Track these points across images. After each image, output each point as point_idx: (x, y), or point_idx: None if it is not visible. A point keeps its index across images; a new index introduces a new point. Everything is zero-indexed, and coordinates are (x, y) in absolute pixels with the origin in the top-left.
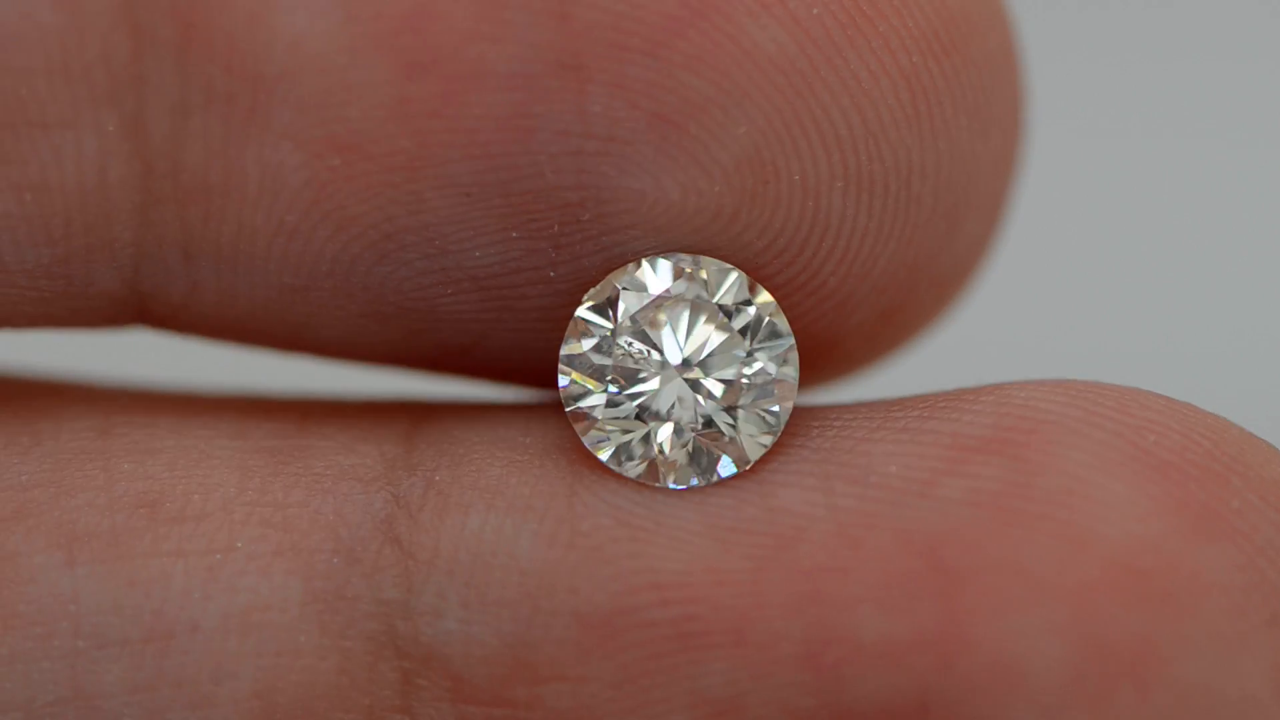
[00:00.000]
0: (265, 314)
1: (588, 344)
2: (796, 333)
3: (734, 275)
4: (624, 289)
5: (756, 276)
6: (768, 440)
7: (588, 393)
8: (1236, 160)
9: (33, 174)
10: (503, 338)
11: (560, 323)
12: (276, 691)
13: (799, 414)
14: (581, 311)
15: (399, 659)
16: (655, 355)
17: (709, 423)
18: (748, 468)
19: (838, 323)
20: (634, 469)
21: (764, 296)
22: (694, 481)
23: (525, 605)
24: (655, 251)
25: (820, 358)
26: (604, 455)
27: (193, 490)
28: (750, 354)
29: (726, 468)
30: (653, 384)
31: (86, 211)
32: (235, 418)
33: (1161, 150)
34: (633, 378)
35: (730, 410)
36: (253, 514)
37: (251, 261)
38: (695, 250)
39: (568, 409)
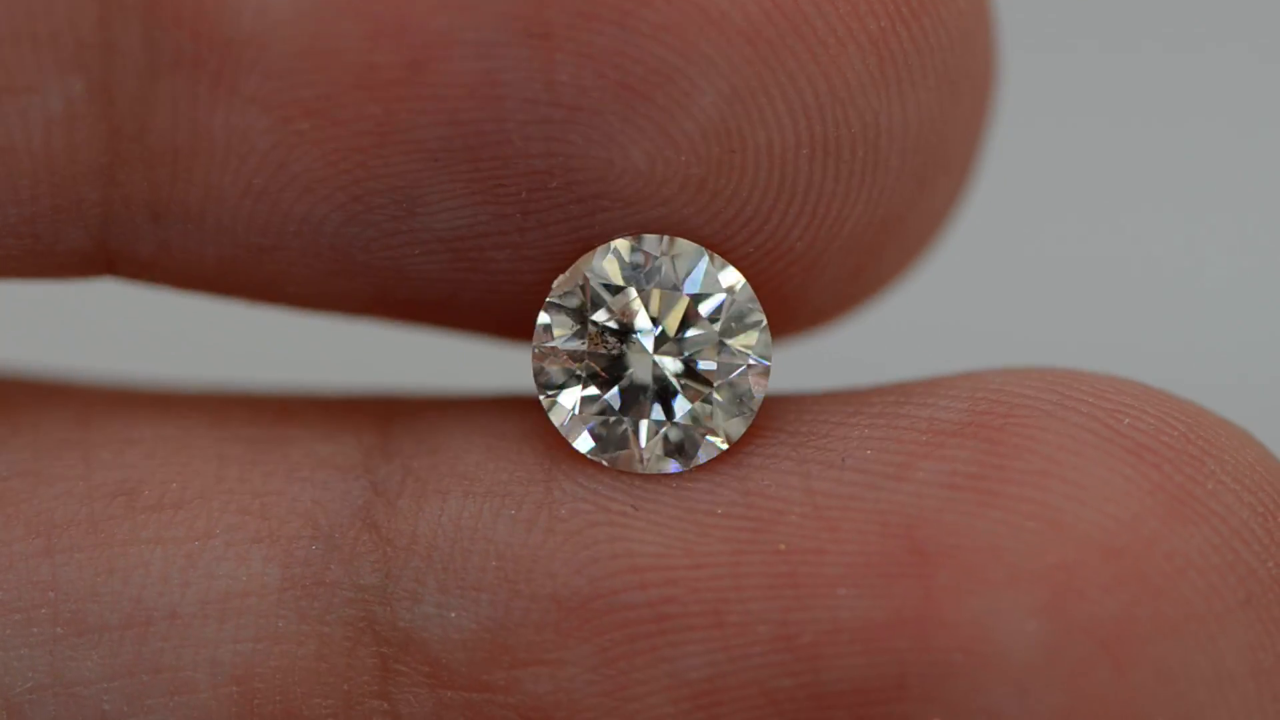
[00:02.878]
0: (234, 271)
1: (560, 333)
2: (765, 294)
3: (704, 257)
4: (594, 275)
5: (725, 244)
6: (744, 422)
7: (562, 383)
8: (1216, 134)
9: None
10: (472, 296)
11: (529, 285)
12: (255, 677)
13: (775, 402)
14: (552, 300)
15: (377, 644)
16: (628, 342)
17: (685, 408)
18: (725, 450)
19: (806, 283)
20: (611, 458)
21: (735, 276)
22: (673, 467)
23: (503, 589)
24: (627, 232)
25: (788, 316)
26: (581, 445)
27: (171, 479)
28: (723, 336)
29: (705, 452)
30: (626, 371)
31: (54, 173)
32: (213, 409)
33: (1139, 117)
34: (606, 366)
35: (705, 394)
36: (231, 502)
37: (219, 222)
38: (664, 219)
39: (542, 400)
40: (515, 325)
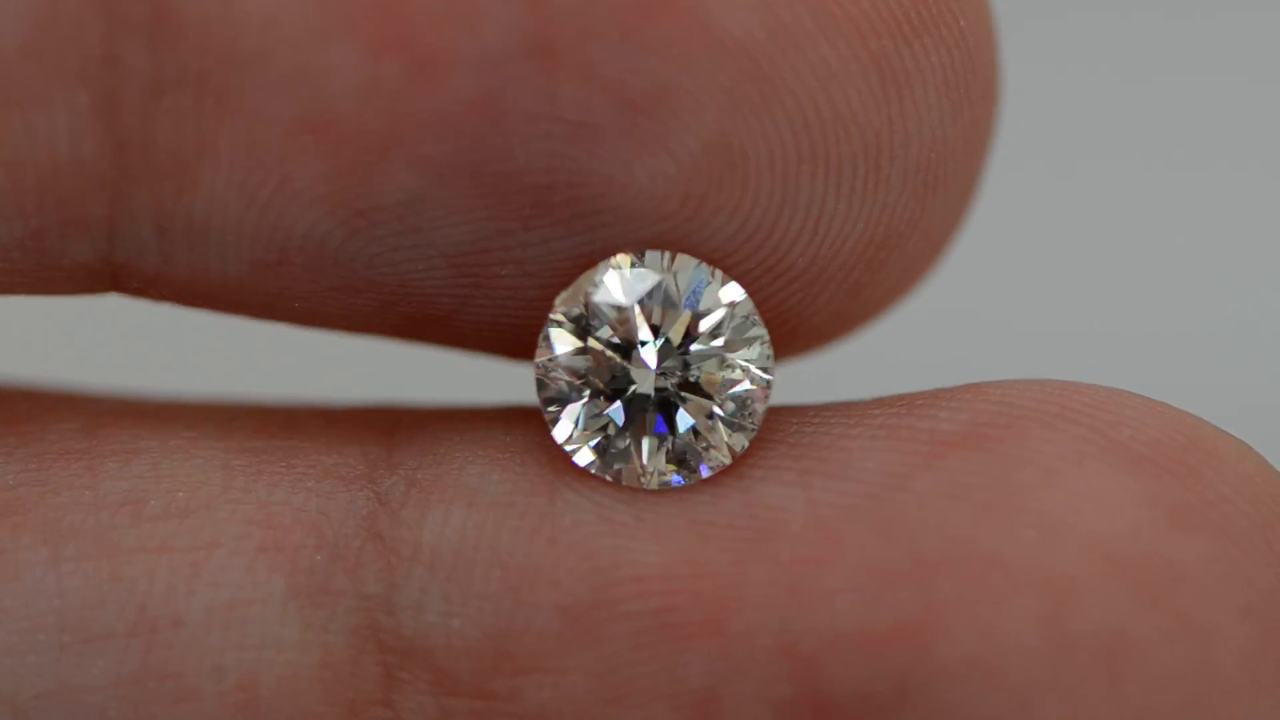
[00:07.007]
0: (238, 286)
1: (561, 349)
2: (765, 312)
3: (707, 273)
4: (596, 291)
5: (725, 259)
6: (746, 438)
7: (564, 399)
8: (1222, 152)
9: (5, 151)
10: (476, 311)
11: (532, 300)
12: (260, 685)
13: (777, 414)
14: (554, 316)
15: (381, 653)
16: (630, 357)
17: (687, 422)
18: (728, 464)
19: (807, 301)
20: (613, 473)
21: (738, 293)
22: (676, 480)
23: (506, 598)
24: (628, 247)
25: (790, 334)
26: (582, 461)
27: (177, 488)
28: (725, 350)
29: (708, 466)
30: (629, 386)
31: (59, 187)
32: (219, 420)
33: (1142, 133)
34: (608, 381)
35: (708, 408)
36: (236, 511)
37: (223, 236)
38: (665, 234)
39: (545, 415)
40: (518, 342)
